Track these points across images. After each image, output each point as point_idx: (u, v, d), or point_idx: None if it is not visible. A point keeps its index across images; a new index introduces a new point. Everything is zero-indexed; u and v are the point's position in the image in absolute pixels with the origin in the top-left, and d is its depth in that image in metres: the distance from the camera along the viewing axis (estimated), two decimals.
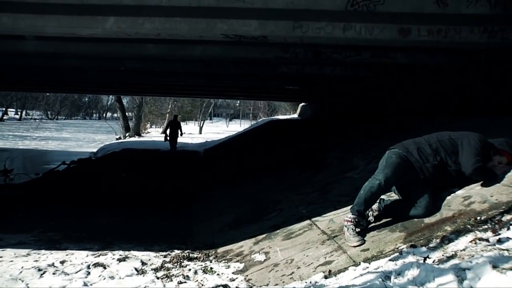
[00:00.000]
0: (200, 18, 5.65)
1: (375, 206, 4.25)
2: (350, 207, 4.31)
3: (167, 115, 38.13)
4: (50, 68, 10.77)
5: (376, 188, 4.07)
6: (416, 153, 4.23)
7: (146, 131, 37.03)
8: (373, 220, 4.18)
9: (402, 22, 5.76)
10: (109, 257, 5.21)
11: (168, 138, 19.02)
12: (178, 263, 4.96)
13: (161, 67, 9.85)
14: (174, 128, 19.22)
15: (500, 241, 3.04)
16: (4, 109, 54.35)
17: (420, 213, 4.06)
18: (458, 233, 3.43)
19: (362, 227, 4.17)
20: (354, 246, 4.06)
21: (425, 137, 4.44)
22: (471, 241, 3.20)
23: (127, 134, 31.86)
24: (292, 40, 6.30)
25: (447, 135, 4.35)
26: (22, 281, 4.47)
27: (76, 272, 4.71)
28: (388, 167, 4.14)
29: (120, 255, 5.28)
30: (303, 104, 24.02)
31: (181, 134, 19.72)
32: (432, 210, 4.05)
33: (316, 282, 3.54)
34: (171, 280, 4.37)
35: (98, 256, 5.31)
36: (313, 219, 5.42)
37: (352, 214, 4.19)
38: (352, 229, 4.15)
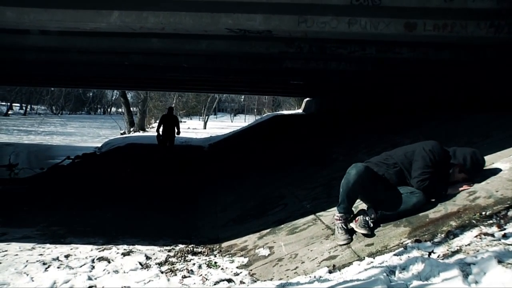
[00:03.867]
0: (204, 12, 5.63)
1: (370, 212, 4.21)
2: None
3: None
4: (55, 62, 10.77)
5: (352, 182, 4.07)
6: (377, 165, 4.34)
7: (150, 126, 37.01)
8: (372, 225, 4.15)
9: (407, 17, 5.73)
10: (114, 251, 5.23)
11: (161, 137, 15.12)
12: (183, 258, 4.97)
13: (165, 62, 9.84)
14: (169, 124, 15.22)
15: (505, 236, 3.03)
16: (9, 104, 54.49)
17: (421, 198, 4.05)
18: (463, 228, 3.42)
19: (367, 229, 4.11)
20: (341, 245, 4.13)
21: (383, 154, 4.53)
22: (476, 236, 3.19)
23: (131, 129, 31.90)
24: (297, 35, 6.29)
25: (402, 151, 4.40)
26: (27, 274, 4.49)
27: (81, 266, 4.74)
28: (358, 164, 4.18)
29: (124, 249, 5.30)
30: (308, 99, 23.98)
31: (178, 133, 15.49)
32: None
33: (320, 277, 3.54)
34: (175, 275, 4.39)
35: (103, 250, 5.33)
36: (318, 214, 5.42)
37: (339, 213, 4.24)
38: (340, 227, 4.22)
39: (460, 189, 4.17)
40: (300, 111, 25.81)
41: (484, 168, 4.49)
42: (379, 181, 4.22)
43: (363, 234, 4.08)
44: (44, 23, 5.84)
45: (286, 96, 35.49)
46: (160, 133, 15.00)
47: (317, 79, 13.31)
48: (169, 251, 5.33)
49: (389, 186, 4.23)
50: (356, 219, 4.17)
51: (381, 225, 4.15)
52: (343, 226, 4.22)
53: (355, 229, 4.16)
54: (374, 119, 11.42)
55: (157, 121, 15.66)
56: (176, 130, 15.26)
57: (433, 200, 4.15)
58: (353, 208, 4.32)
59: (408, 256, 3.22)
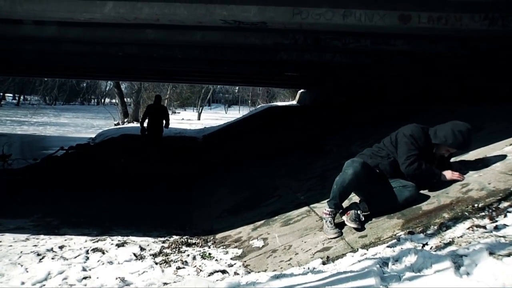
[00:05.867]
0: (199, 4, 5.62)
1: (362, 206, 4.21)
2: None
3: (166, 100, 37.94)
4: (48, 53, 10.73)
5: (348, 181, 4.09)
6: (370, 157, 4.35)
7: None
8: (363, 219, 4.16)
9: (402, 9, 5.75)
10: (108, 242, 5.23)
11: (146, 131, 13.30)
12: (177, 249, 4.98)
13: (160, 53, 9.81)
14: (156, 115, 13.23)
15: (497, 228, 3.06)
16: (1, 94, 54.09)
17: (413, 192, 4.08)
18: (456, 220, 3.45)
19: (357, 223, 4.10)
20: (331, 238, 4.16)
21: (374, 146, 4.53)
22: (468, 228, 3.21)
23: (125, 120, 31.80)
24: (291, 27, 6.29)
25: (389, 140, 4.38)
26: (21, 265, 4.49)
27: (75, 257, 4.73)
28: (356, 162, 4.17)
29: (118, 240, 5.30)
30: (302, 90, 23.97)
31: (167, 125, 13.47)
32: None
33: (314, 268, 3.56)
34: (170, 266, 4.40)
35: (97, 241, 5.33)
36: (312, 205, 5.44)
37: (329, 208, 4.24)
38: (330, 221, 4.24)
39: (452, 176, 4.18)
40: (294, 102, 25.79)
41: (477, 160, 4.54)
42: (374, 175, 4.24)
43: (354, 229, 4.09)
44: (37, 13, 5.81)
45: (281, 88, 35.41)
46: (145, 126, 13.31)
47: (312, 70, 13.30)
48: (164, 242, 5.34)
49: (383, 179, 4.25)
50: (348, 212, 4.17)
51: (375, 217, 4.17)
52: (332, 220, 4.24)
53: (346, 223, 4.16)
54: (368, 111, 11.43)
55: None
56: (164, 123, 13.34)
57: (425, 191, 4.19)
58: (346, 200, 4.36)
59: (401, 248, 3.24)
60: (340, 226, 4.25)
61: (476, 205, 3.59)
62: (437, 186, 4.20)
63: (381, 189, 4.21)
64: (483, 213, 3.39)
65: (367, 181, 4.18)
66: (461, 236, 3.14)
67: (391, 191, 4.14)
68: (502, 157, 4.41)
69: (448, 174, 4.18)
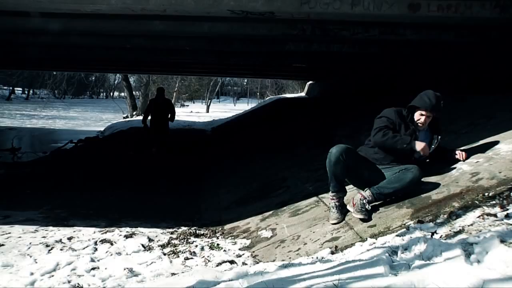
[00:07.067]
0: None
1: (367, 194, 4.17)
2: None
3: (174, 93, 37.96)
4: (56, 46, 10.73)
5: (334, 160, 4.20)
6: (364, 150, 4.51)
7: None
8: (370, 208, 4.13)
9: None
10: (116, 233, 5.24)
11: (149, 127, 12.34)
12: (185, 240, 4.98)
13: (167, 45, 9.78)
14: (160, 110, 12.31)
15: (508, 216, 3.03)
16: (11, 88, 54.35)
17: (417, 173, 4.05)
18: (466, 208, 3.42)
19: (364, 213, 4.08)
20: (332, 224, 4.27)
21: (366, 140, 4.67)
22: (478, 217, 3.18)
23: (134, 113, 31.83)
24: (299, 16, 6.22)
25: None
26: (30, 256, 4.51)
27: (84, 248, 4.75)
28: (341, 145, 4.32)
29: (127, 231, 5.32)
30: (310, 82, 23.87)
31: (172, 118, 12.63)
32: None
33: (322, 258, 3.54)
34: (178, 256, 4.40)
35: (105, 232, 5.35)
36: (320, 196, 5.42)
37: (332, 192, 4.35)
38: (333, 206, 4.34)
39: (423, 149, 4.15)
40: (303, 94, 25.71)
41: (488, 149, 4.49)
42: (365, 162, 4.31)
43: (360, 219, 4.08)
44: (44, 5, 5.79)
45: (289, 79, 35.32)
46: (148, 124, 12.37)
47: (320, 61, 13.23)
48: (172, 233, 5.34)
49: (376, 167, 4.31)
50: (354, 202, 4.16)
51: (383, 206, 4.14)
52: (337, 204, 4.31)
53: (353, 214, 4.16)
54: (377, 101, 11.33)
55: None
56: (170, 116, 12.56)
57: (435, 180, 4.15)
58: (355, 190, 4.33)
59: (411, 237, 3.22)
60: (345, 213, 4.31)
61: (486, 193, 3.56)
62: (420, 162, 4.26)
63: (380, 175, 4.24)
64: (493, 202, 3.36)
65: (357, 166, 4.27)
66: (471, 225, 3.11)
67: (392, 177, 4.15)
68: None
69: (420, 145, 4.17)
